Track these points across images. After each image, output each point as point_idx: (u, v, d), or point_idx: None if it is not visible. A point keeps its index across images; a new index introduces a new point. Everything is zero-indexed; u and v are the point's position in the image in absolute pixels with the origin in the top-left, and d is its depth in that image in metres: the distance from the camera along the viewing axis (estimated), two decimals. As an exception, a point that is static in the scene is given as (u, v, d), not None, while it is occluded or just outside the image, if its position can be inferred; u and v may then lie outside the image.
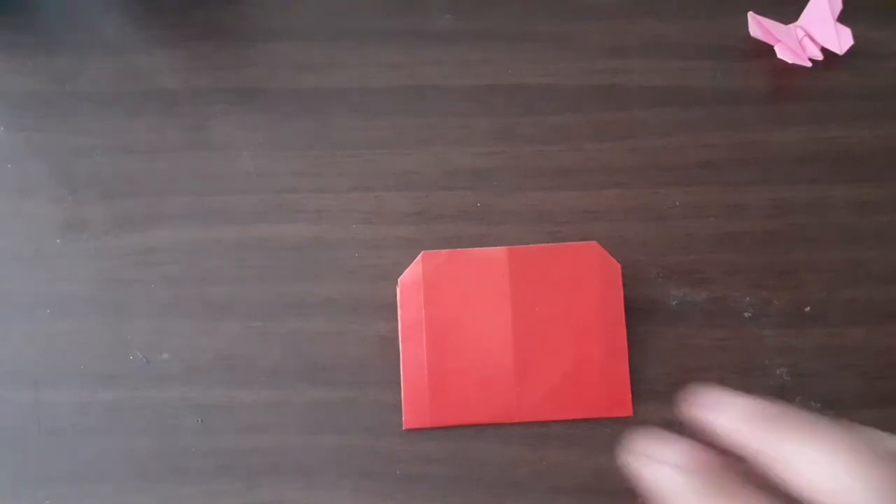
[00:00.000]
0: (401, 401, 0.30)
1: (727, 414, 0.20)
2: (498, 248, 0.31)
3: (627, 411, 0.30)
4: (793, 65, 0.35)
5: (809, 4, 0.36)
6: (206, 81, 0.36)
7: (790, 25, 0.36)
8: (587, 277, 0.30)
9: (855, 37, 0.35)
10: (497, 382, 0.29)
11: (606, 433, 0.30)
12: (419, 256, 0.31)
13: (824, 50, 0.36)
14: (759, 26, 0.35)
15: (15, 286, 0.33)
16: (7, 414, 0.30)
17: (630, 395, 0.30)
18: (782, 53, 0.36)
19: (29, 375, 0.31)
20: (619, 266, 0.31)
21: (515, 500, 0.29)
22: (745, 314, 0.31)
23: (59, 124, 0.36)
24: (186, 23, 0.38)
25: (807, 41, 0.36)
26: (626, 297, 0.31)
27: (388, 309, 0.31)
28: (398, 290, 0.31)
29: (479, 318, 0.30)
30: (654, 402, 0.30)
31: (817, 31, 0.36)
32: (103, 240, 0.33)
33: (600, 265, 0.31)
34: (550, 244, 0.31)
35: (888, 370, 0.30)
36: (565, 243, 0.31)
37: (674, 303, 0.31)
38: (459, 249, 0.31)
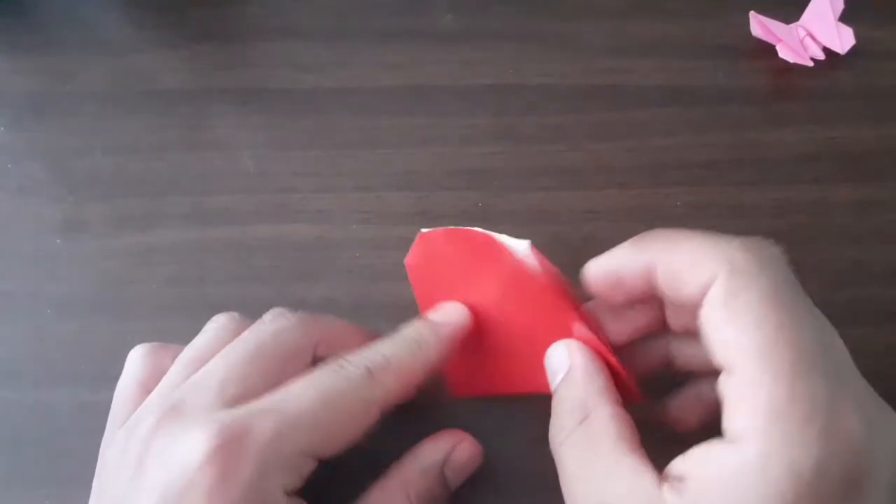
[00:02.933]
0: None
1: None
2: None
3: (637, 399, 0.26)
4: (794, 64, 0.35)
5: (811, 4, 0.36)
6: (207, 81, 0.36)
7: (792, 25, 0.36)
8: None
9: (857, 36, 0.35)
10: (522, 358, 0.26)
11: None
12: (417, 237, 0.26)
13: (826, 49, 0.36)
14: (760, 26, 0.35)
15: (15, 286, 0.33)
16: (7, 414, 0.30)
17: (636, 385, 0.26)
18: (784, 53, 0.35)
19: (29, 375, 0.31)
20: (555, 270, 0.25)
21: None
22: (746, 314, 0.31)
23: (59, 124, 0.36)
24: (186, 23, 0.38)
25: (808, 41, 0.36)
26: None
27: (389, 309, 0.31)
28: (407, 269, 0.27)
29: (482, 296, 0.26)
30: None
31: (819, 31, 0.36)
32: (104, 240, 0.33)
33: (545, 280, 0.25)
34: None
35: (888, 370, 0.30)
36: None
37: (674, 303, 0.31)
38: (454, 228, 0.26)
